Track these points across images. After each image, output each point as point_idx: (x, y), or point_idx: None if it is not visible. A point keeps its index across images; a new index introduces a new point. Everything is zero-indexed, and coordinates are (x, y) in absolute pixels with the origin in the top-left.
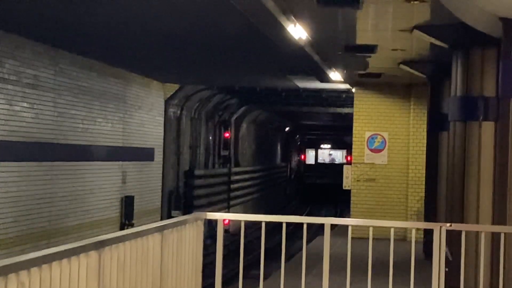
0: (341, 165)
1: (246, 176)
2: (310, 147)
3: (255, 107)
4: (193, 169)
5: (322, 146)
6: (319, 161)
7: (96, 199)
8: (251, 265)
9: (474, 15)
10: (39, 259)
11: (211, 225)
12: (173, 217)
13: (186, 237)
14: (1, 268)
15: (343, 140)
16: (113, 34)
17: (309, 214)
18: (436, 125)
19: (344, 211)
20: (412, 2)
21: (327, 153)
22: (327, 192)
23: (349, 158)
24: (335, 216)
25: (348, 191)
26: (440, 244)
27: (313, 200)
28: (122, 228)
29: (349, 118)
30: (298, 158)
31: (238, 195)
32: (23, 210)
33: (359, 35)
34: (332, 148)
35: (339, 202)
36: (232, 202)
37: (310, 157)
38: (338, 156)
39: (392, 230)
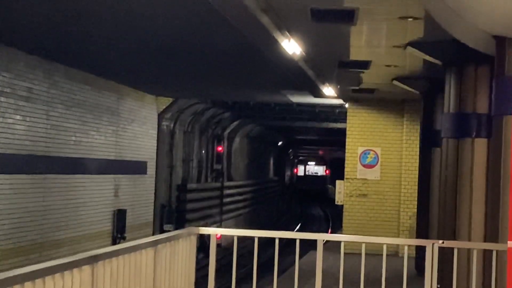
0: (322, 176)
1: (239, 190)
2: (301, 164)
3: (249, 121)
4: (186, 183)
5: (309, 163)
6: (306, 173)
7: (89, 212)
8: (243, 279)
9: (467, 33)
10: (32, 274)
11: (202, 239)
12: (165, 231)
13: (179, 252)
14: None
15: (324, 159)
16: (107, 48)
17: (302, 228)
18: (429, 141)
19: (336, 223)
20: (406, 19)
21: (312, 168)
22: (311, 194)
23: (327, 171)
24: (328, 228)
25: (325, 192)
26: (432, 261)
27: (303, 199)
28: (114, 242)
29: (341, 133)
30: (291, 171)
31: (230, 209)
32: (15, 222)
33: (353, 51)
34: (316, 164)
35: (324, 204)
36: (224, 216)
37: (300, 170)
38: (320, 170)
39: (384, 247)
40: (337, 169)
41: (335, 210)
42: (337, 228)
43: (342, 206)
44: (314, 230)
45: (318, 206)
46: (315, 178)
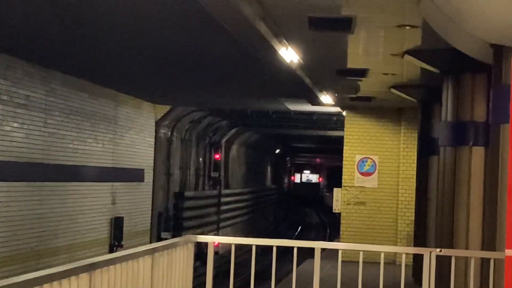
0: (315, 183)
1: (236, 198)
2: (297, 172)
3: (246, 129)
4: (183, 190)
5: (304, 171)
6: (302, 181)
7: (86, 220)
8: (241, 287)
9: (464, 41)
10: (30, 281)
11: (199, 246)
12: (162, 238)
13: (177, 260)
14: None
15: (317, 168)
16: (105, 55)
17: (299, 235)
18: (426, 149)
19: (332, 231)
20: (403, 27)
21: (307, 176)
22: (306, 198)
23: (320, 179)
24: (325, 235)
25: (318, 196)
26: (430, 269)
27: (299, 202)
28: (111, 249)
29: (339, 141)
30: (289, 179)
31: (227, 217)
32: (12, 230)
33: (351, 59)
34: (311, 173)
35: (316, 207)
36: (221, 224)
37: (297, 178)
38: (314, 177)
39: (382, 255)
40: (329, 177)
41: (331, 218)
42: (333, 236)
43: (339, 213)
44: (312, 236)
45: (316, 215)
46: (309, 184)
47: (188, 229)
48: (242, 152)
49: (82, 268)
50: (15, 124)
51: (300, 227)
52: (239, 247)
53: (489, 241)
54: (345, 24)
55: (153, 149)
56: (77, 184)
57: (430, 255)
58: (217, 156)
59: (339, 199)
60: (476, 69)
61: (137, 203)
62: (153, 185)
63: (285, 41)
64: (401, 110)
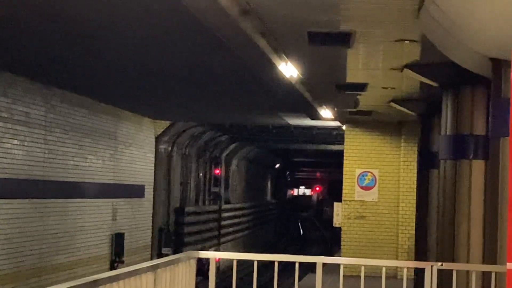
0: (309, 195)
1: (237, 213)
2: (296, 187)
3: (246, 144)
4: (184, 206)
5: (301, 187)
6: (299, 193)
7: (87, 236)
8: None
9: (463, 55)
10: None
11: (199, 261)
12: (163, 254)
13: (179, 276)
14: None
15: (310, 184)
16: (105, 72)
17: (301, 249)
18: (426, 163)
19: (333, 243)
20: (402, 41)
21: (303, 190)
22: (302, 206)
23: (312, 192)
24: (327, 248)
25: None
26: (431, 283)
27: (298, 210)
28: (112, 266)
29: (338, 155)
30: (289, 193)
31: (228, 232)
32: (13, 247)
33: (350, 73)
34: (306, 188)
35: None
36: (222, 239)
37: (295, 192)
38: (308, 191)
39: (384, 269)
40: (323, 190)
41: (333, 233)
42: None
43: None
44: (314, 248)
45: (316, 230)
46: (304, 196)
47: (189, 244)
48: (242, 167)
49: (85, 285)
50: (16, 141)
51: (301, 242)
52: (239, 261)
53: (490, 255)
54: (345, 39)
55: (153, 164)
56: (78, 200)
57: (431, 269)
58: (217, 171)
59: (339, 213)
60: (475, 82)
61: (138, 219)
62: (154, 200)
63: (284, 56)
64: (400, 123)
